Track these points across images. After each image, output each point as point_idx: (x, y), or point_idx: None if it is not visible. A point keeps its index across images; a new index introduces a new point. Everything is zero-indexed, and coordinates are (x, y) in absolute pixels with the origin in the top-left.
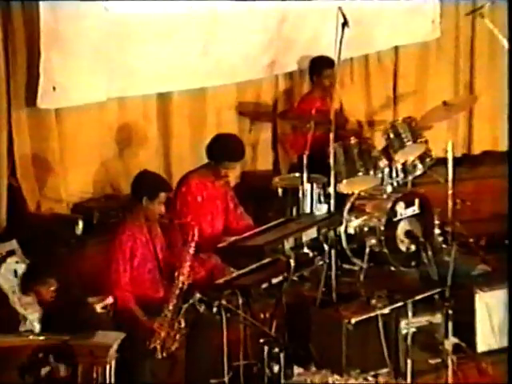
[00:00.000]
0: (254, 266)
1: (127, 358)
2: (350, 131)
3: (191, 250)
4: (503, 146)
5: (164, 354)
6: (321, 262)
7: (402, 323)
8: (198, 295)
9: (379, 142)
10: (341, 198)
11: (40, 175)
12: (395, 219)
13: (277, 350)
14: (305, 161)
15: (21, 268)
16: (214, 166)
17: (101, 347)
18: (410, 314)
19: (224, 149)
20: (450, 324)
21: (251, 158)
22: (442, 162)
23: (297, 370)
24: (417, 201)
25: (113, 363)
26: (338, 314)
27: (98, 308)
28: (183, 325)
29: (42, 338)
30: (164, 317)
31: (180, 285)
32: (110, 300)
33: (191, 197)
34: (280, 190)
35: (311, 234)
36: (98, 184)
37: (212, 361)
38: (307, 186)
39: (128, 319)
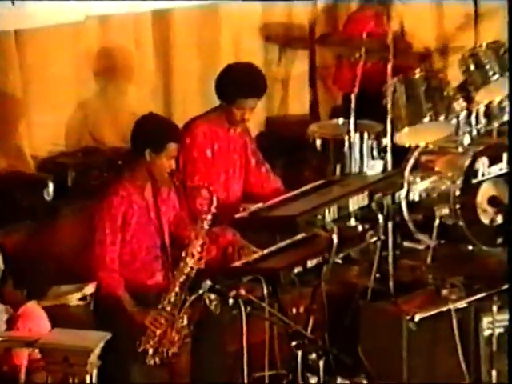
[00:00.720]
0: (283, 243)
1: (110, 363)
2: (415, 61)
3: (206, 225)
4: None
5: (157, 360)
6: (374, 239)
7: (484, 321)
8: (208, 282)
9: (455, 76)
10: (401, 153)
11: None
12: (475, 181)
13: (314, 356)
14: (353, 102)
15: None
16: (226, 107)
17: (79, 352)
18: (494, 308)
19: (236, 81)
20: None
21: (281, 98)
22: None
23: (341, 382)
24: (505, 156)
25: (94, 373)
26: (396, 309)
27: (74, 299)
28: (185, 322)
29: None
30: (161, 310)
31: (187, 269)
32: (90, 288)
33: (198, 150)
34: (319, 142)
35: (361, 200)
36: (73, 133)
37: (227, 371)
38: (356, 137)
39: (112, 310)
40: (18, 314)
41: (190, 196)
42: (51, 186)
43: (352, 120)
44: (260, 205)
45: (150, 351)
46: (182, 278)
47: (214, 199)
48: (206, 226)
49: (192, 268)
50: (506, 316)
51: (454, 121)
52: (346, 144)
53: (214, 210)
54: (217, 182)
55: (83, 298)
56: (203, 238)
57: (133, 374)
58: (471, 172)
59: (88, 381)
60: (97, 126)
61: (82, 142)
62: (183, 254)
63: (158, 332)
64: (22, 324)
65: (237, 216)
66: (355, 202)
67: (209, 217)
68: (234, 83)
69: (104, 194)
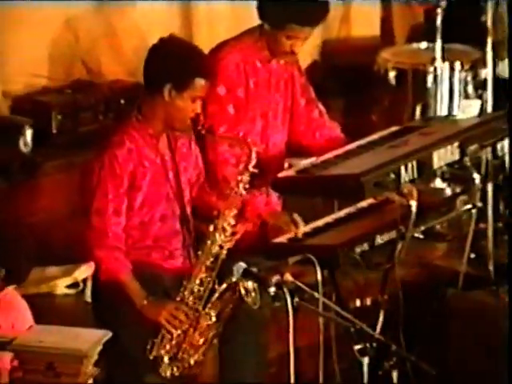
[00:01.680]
0: (342, 212)
1: (112, 374)
2: None
3: (242, 188)
4: None
5: (175, 372)
6: (467, 206)
7: None
8: (242, 265)
9: None
10: (506, 89)
11: None
12: None
13: (386, 364)
14: (439, 19)
15: None
16: (270, 32)
17: (68, 357)
18: None
19: (290, 1)
20: None
21: (341, 15)
22: None
23: None
24: None
25: None
26: (499, 301)
27: (62, 287)
28: (213, 320)
29: None
30: (181, 303)
31: (215, 249)
32: (83, 272)
33: (226, 87)
34: (392, 74)
35: (449, 154)
36: (59, 60)
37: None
38: (444, 67)
39: (114, 303)
40: None
41: (211, 150)
42: (29, 134)
43: (438, 44)
44: (311, 160)
45: (166, 359)
46: (208, 261)
47: (253, 155)
48: (243, 191)
49: (222, 247)
50: None
51: None
52: (430, 77)
53: (251, 168)
54: (252, 130)
55: (74, 285)
56: (238, 207)
57: None
58: None
59: None
60: (92, 51)
61: (71, 73)
62: (211, 229)
63: (177, 333)
64: (3, 317)
65: (279, 175)
66: (441, 157)
67: (245, 178)
68: (288, 4)
69: (103, 145)
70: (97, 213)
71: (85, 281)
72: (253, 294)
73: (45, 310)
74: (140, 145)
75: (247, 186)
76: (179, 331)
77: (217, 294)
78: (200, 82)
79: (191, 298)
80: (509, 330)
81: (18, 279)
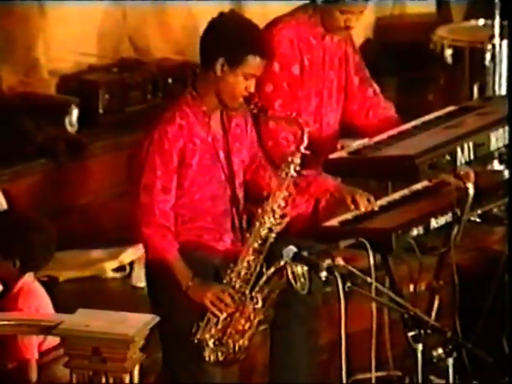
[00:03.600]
0: (397, 195)
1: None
2: None
3: (293, 170)
4: None
5: (220, 357)
6: None
7: None
8: (292, 248)
9: None
10: None
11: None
12: None
13: (440, 351)
14: None
15: None
16: (324, 7)
17: (114, 342)
18: None
19: None
20: None
21: None
22: None
23: None
24: None
25: (135, 371)
26: None
27: (108, 270)
28: (260, 304)
29: (4, 322)
30: (227, 286)
31: (264, 232)
32: (129, 254)
33: (281, 64)
34: (449, 53)
35: (508, 135)
36: (106, 38)
37: (318, 371)
38: (502, 44)
39: (160, 283)
40: (15, 292)
41: (266, 130)
42: (76, 113)
43: (497, 21)
44: (365, 141)
45: (210, 343)
46: (256, 244)
47: (305, 135)
48: (293, 173)
49: (271, 230)
50: None
51: None
52: (488, 55)
53: (303, 150)
54: (306, 109)
55: (120, 269)
56: (288, 188)
57: (188, 373)
58: None
59: (127, 381)
60: (140, 29)
61: (118, 51)
62: (259, 211)
63: (222, 317)
64: (26, 305)
65: (332, 156)
66: (500, 138)
67: (297, 160)
68: None
69: (155, 121)
70: (145, 189)
71: (131, 264)
72: (302, 279)
73: (91, 293)
74: (191, 122)
75: (298, 168)
76: (225, 315)
77: (264, 278)
78: (254, 59)
79: (238, 282)
80: (509, 329)
81: (34, 267)
